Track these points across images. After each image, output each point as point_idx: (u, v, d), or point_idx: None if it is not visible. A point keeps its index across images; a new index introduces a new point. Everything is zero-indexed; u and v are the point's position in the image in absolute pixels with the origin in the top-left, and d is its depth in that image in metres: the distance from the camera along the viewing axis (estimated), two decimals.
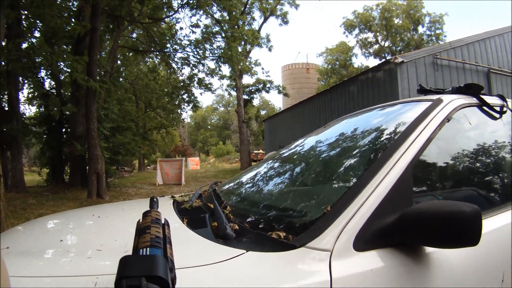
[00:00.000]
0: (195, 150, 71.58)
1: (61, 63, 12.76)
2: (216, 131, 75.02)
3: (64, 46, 13.67)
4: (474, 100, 2.07)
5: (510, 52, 14.04)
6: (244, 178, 2.73)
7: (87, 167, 12.24)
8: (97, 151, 11.50)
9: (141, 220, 1.24)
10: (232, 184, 2.68)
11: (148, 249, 1.03)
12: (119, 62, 21.20)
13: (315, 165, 2.32)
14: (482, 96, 2.12)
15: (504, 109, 2.20)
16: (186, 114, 34.55)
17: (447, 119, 1.77)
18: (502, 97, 2.33)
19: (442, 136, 1.77)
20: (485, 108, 2.11)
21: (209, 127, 78.96)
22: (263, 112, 55.67)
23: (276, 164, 2.74)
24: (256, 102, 39.84)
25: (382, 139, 1.96)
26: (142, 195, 13.49)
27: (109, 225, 2.08)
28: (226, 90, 31.16)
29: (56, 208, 9.76)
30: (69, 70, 10.97)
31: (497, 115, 2.15)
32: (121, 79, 18.94)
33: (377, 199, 1.35)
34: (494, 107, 2.14)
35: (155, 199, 1.43)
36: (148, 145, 29.97)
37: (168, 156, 48.51)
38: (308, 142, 2.86)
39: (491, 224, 1.62)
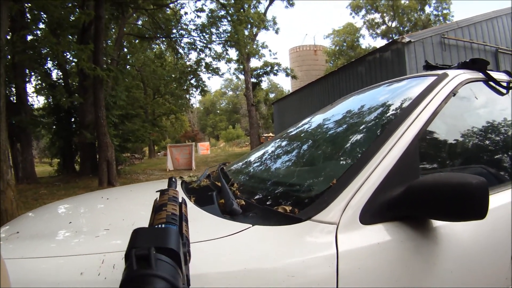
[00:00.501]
0: (205, 135, 71.75)
1: (67, 53, 12.76)
2: (225, 116, 75.08)
3: (70, 37, 13.70)
4: (480, 75, 2.04)
5: None
6: (252, 158, 2.74)
7: (97, 155, 12.27)
8: (106, 138, 11.55)
9: (158, 199, 1.25)
10: (240, 163, 2.68)
11: (163, 225, 1.04)
12: (125, 49, 21.22)
13: (321, 142, 2.31)
14: (489, 72, 2.07)
15: (511, 84, 2.17)
16: (195, 99, 34.77)
17: (453, 93, 1.76)
18: (508, 73, 2.30)
19: (448, 111, 1.76)
20: (491, 83, 2.09)
21: (218, 111, 78.97)
22: (271, 95, 55.53)
23: (283, 143, 2.75)
24: (264, 85, 39.73)
25: (387, 114, 1.96)
26: (153, 180, 13.56)
27: (117, 206, 2.09)
28: (234, 74, 30.98)
29: (68, 197, 9.82)
30: (75, 60, 10.90)
31: (504, 91, 2.13)
32: (128, 67, 18.91)
33: (383, 172, 1.34)
34: (501, 83, 2.11)
35: (173, 179, 1.46)
36: (157, 131, 30.09)
37: (178, 142, 48.67)
38: (315, 120, 2.84)
39: (500, 199, 1.62)
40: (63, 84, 15.70)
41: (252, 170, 2.44)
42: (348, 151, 1.81)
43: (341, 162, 1.75)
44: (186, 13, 20.10)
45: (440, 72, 2.00)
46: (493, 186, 1.64)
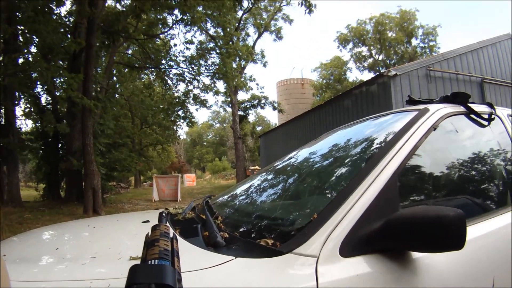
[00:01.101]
0: (191, 166, 71.40)
1: (57, 79, 12.79)
2: (212, 148, 75.00)
3: (61, 62, 13.77)
4: (461, 109, 2.10)
5: (503, 61, 14.12)
6: (237, 191, 2.77)
7: (83, 183, 12.17)
8: (93, 166, 11.50)
9: (149, 234, 1.24)
10: (225, 196, 2.71)
11: (156, 260, 1.04)
12: (114, 78, 21.33)
13: (305, 176, 2.37)
14: (470, 104, 2.14)
15: (492, 116, 2.23)
16: (182, 130, 34.94)
17: (433, 127, 1.81)
18: (490, 105, 2.35)
19: (429, 145, 1.81)
20: (472, 116, 2.14)
21: (205, 143, 78.88)
22: (258, 128, 55.73)
23: (268, 176, 2.80)
24: (251, 118, 40.01)
25: (369, 149, 2.00)
26: (138, 211, 13.43)
27: (103, 235, 2.14)
28: (221, 106, 31.30)
29: (52, 222, 9.68)
30: (64, 87, 10.93)
31: (485, 123, 2.18)
32: (116, 95, 18.99)
33: (363, 207, 1.38)
34: (482, 115, 2.17)
35: (164, 214, 1.44)
36: (144, 161, 29.95)
37: (164, 172, 48.28)
38: (300, 154, 2.91)
39: (480, 229, 1.66)
40: (51, 109, 15.66)
41: (236, 203, 2.46)
42: (331, 185, 1.87)
43: (324, 196, 1.79)
44: (175, 45, 20.35)
45: (422, 107, 2.07)
46: (471, 217, 1.69)
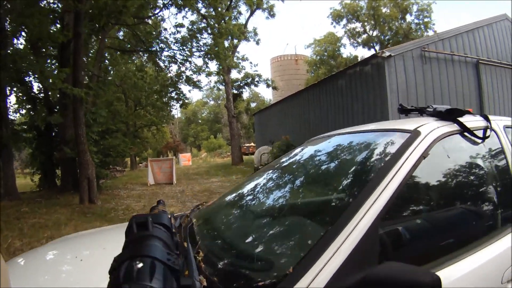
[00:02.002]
0: (186, 145, 71.53)
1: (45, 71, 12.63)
2: (207, 125, 74.98)
3: (51, 48, 13.61)
4: (455, 127, 2.04)
5: (499, 42, 13.98)
6: (223, 208, 2.74)
7: (78, 173, 12.13)
8: (87, 156, 11.45)
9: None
10: (209, 214, 2.66)
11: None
12: (107, 61, 21.12)
13: (288, 207, 2.32)
14: (465, 120, 2.09)
15: (488, 132, 2.17)
16: (176, 110, 34.76)
17: (423, 156, 1.74)
18: (486, 118, 2.30)
19: (419, 171, 1.74)
20: (466, 134, 2.08)
21: (200, 121, 78.81)
22: (253, 105, 55.70)
23: (255, 198, 2.72)
24: (246, 95, 39.81)
25: (352, 188, 1.97)
26: (134, 197, 13.53)
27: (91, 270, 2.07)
28: (214, 86, 31.17)
29: (49, 216, 9.77)
30: (51, 80, 10.74)
31: (479, 140, 2.13)
32: (109, 78, 18.79)
33: (341, 259, 1.35)
34: (477, 131, 2.11)
35: (161, 201, 1.61)
36: (139, 143, 29.91)
37: (160, 152, 48.53)
38: (286, 167, 2.92)
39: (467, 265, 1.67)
40: (43, 99, 15.50)
41: (219, 228, 2.35)
42: (308, 233, 1.80)
43: (301, 244, 1.72)
44: (165, 29, 19.98)
45: (413, 126, 1.97)
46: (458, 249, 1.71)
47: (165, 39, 18.53)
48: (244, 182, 3.21)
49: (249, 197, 2.75)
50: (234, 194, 2.96)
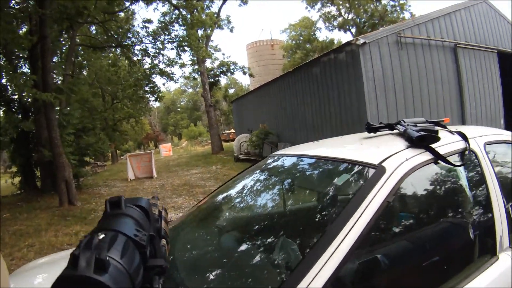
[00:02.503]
0: (167, 134, 71.19)
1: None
2: (186, 113, 74.55)
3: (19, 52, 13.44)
4: (427, 156, 1.86)
5: (477, 25, 13.89)
6: (188, 230, 2.73)
7: (56, 176, 12.09)
8: (62, 159, 11.42)
9: None
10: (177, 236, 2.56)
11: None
12: (79, 58, 20.91)
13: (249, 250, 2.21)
14: (439, 144, 1.94)
15: (465, 156, 2.04)
16: (154, 102, 34.36)
17: (387, 201, 1.62)
18: (463, 136, 2.13)
19: (383, 215, 1.63)
20: (440, 161, 1.90)
21: (179, 109, 78.28)
22: (231, 91, 55.54)
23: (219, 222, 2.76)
24: (223, 81, 39.54)
25: (302, 234, 1.96)
26: (114, 194, 13.40)
27: None
28: (188, 77, 30.99)
29: (29, 222, 9.80)
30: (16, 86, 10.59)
31: (456, 165, 1.98)
32: (82, 77, 18.59)
33: None
34: (453, 157, 1.97)
35: (156, 196, 1.54)
36: (118, 136, 29.78)
37: (140, 144, 48.24)
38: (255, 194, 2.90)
39: None
40: (16, 102, 15.31)
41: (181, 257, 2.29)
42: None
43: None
44: (133, 26, 19.82)
45: (377, 160, 1.83)
46: None
47: (136, 33, 18.40)
48: (214, 196, 3.17)
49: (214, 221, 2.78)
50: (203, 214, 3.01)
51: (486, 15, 14.39)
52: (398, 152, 1.85)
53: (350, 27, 39.48)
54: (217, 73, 30.84)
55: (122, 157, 37.47)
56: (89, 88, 19.51)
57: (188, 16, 17.74)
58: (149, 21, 17.71)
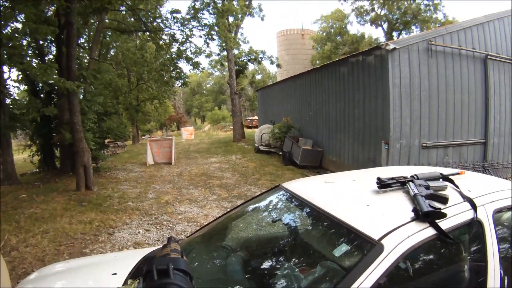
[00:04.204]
0: (191, 116, 71.53)
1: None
2: (211, 96, 74.74)
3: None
4: (430, 232, 1.86)
5: (510, 37, 13.40)
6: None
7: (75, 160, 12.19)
8: (82, 144, 11.54)
9: (161, 251, 1.40)
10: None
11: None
12: (107, 38, 21.00)
13: None
14: (444, 218, 1.92)
15: (473, 229, 2.03)
16: (178, 86, 34.07)
17: (379, 282, 1.65)
18: (472, 204, 2.10)
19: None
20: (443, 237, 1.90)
21: (204, 92, 78.48)
22: (258, 77, 55.41)
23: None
24: (251, 67, 39.32)
25: None
26: (130, 181, 13.67)
27: None
28: (215, 65, 30.90)
29: (46, 205, 9.99)
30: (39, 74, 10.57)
31: (457, 241, 1.99)
32: (107, 62, 18.62)
33: None
34: (456, 231, 1.96)
35: (172, 238, 1.56)
36: (141, 116, 30.00)
37: (163, 125, 48.53)
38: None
39: None
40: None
41: None
42: None
43: None
44: (161, 11, 19.89)
45: (378, 235, 1.83)
46: None
47: (165, 19, 18.31)
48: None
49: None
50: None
51: None
52: (402, 225, 1.86)
53: (382, 23, 38.75)
54: (245, 61, 30.65)
55: (143, 137, 37.81)
56: (114, 70, 19.58)
57: (219, 2, 17.57)
58: (177, 11, 17.56)
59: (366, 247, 1.81)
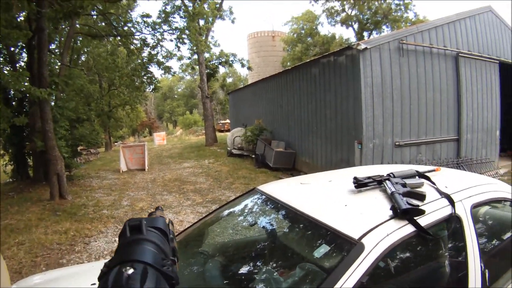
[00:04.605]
0: (162, 121, 71.01)
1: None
2: (183, 101, 74.35)
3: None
4: (409, 229, 1.89)
5: (481, 34, 13.73)
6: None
7: (48, 168, 11.96)
8: (55, 152, 11.33)
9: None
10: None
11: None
12: (78, 43, 20.70)
13: None
14: (424, 215, 1.96)
15: (452, 224, 2.08)
16: (150, 91, 33.44)
17: (361, 281, 1.66)
18: (450, 200, 2.14)
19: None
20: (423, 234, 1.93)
21: (175, 96, 77.99)
22: (229, 80, 55.40)
23: None
24: (222, 70, 39.32)
25: None
26: (105, 188, 13.52)
27: None
28: (186, 69, 30.82)
29: (20, 216, 9.81)
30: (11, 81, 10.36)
31: (436, 237, 2.04)
32: (78, 68, 18.33)
33: None
34: (435, 227, 1.99)
35: (160, 207, 1.50)
36: (113, 123, 29.64)
37: (135, 130, 48.02)
38: None
39: None
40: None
41: None
42: None
43: None
44: (132, 15, 19.70)
45: (357, 235, 1.84)
46: None
47: (136, 23, 18.17)
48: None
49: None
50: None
51: (491, 24, 14.22)
52: (380, 224, 1.88)
53: (353, 23, 39.22)
54: (216, 64, 30.68)
55: (116, 143, 37.31)
56: (85, 76, 19.34)
57: (190, 6, 17.55)
58: (148, 15, 17.46)
59: (346, 247, 1.83)
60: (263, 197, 2.96)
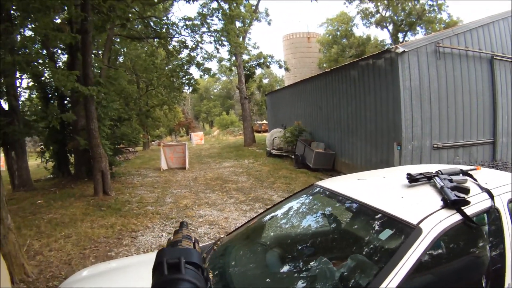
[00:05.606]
0: (199, 121, 71.70)
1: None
2: (219, 101, 74.91)
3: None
4: (457, 217, 2.13)
5: None
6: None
7: (92, 166, 12.28)
8: (99, 150, 11.68)
9: (172, 237, 1.39)
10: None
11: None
12: (117, 45, 21.21)
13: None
14: (467, 208, 2.17)
15: (491, 215, 2.31)
16: (187, 92, 33.81)
17: (420, 259, 1.91)
18: (490, 194, 2.37)
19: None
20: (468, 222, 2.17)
21: (212, 97, 78.70)
22: (265, 81, 55.50)
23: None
24: (259, 71, 39.49)
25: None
26: (147, 186, 13.78)
27: None
28: (225, 70, 31.06)
29: (65, 210, 10.09)
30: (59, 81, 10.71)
31: (479, 225, 2.25)
32: (120, 68, 18.82)
33: None
34: (478, 217, 2.24)
35: (184, 223, 1.55)
36: (150, 122, 30.19)
37: (172, 130, 48.75)
38: None
39: None
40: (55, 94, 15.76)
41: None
42: None
43: None
44: (170, 17, 20.13)
45: (416, 219, 2.10)
46: None
47: (175, 25, 18.50)
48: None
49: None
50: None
51: None
52: (434, 212, 2.14)
53: (387, 24, 38.71)
54: (254, 65, 30.83)
55: (153, 142, 38.00)
56: (128, 76, 19.80)
57: (227, 7, 17.74)
58: (190, 18, 17.78)
59: (406, 230, 2.08)
60: (326, 191, 3.17)
